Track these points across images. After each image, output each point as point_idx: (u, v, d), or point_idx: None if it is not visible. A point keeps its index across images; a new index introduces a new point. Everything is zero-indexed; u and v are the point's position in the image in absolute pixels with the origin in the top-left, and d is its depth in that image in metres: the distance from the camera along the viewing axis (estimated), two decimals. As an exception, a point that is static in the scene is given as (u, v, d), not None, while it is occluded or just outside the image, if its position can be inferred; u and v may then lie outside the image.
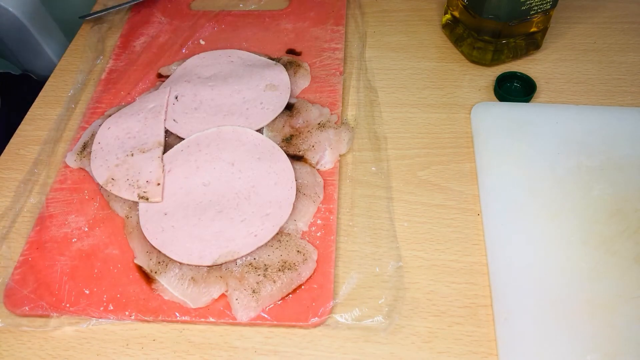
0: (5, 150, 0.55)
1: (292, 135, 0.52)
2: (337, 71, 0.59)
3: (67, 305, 0.43)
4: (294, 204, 0.46)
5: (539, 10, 0.55)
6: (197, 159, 0.50)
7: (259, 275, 0.43)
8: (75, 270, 0.45)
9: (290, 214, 0.46)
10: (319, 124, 0.53)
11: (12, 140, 0.56)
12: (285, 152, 0.50)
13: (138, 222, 0.47)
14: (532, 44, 0.60)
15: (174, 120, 0.54)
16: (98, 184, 0.50)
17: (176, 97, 0.56)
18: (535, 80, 0.57)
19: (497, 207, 0.47)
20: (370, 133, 0.54)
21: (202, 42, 0.63)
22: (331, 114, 0.54)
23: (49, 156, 0.53)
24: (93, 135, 0.53)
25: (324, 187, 0.49)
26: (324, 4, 0.67)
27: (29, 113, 0.59)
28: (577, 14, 0.65)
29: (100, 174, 0.50)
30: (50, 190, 0.50)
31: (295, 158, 0.51)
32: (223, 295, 0.43)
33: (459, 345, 0.41)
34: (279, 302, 0.42)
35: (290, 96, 0.55)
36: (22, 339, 0.42)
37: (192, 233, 0.45)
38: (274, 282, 0.42)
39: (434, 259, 0.45)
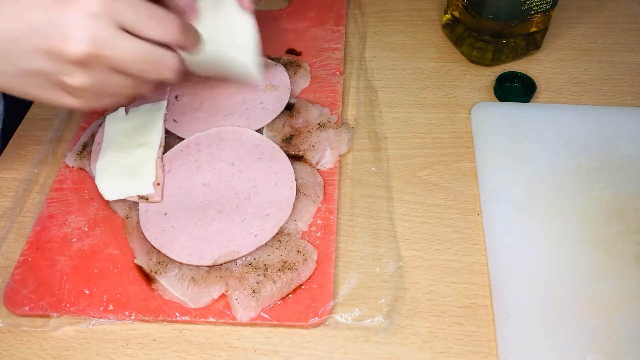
0: (5, 150, 0.55)
1: (292, 135, 0.52)
2: (337, 71, 0.59)
3: (67, 305, 0.43)
4: (294, 204, 0.46)
5: (539, 11, 0.55)
6: (197, 159, 0.50)
7: (259, 275, 0.43)
8: (75, 270, 0.45)
9: (290, 214, 0.46)
10: (319, 124, 0.53)
11: (12, 140, 0.56)
12: (285, 152, 0.50)
13: (138, 222, 0.47)
14: (532, 44, 0.60)
15: (174, 120, 0.54)
16: (98, 184, 0.50)
17: (176, 97, 0.56)
18: (535, 80, 0.57)
19: (497, 207, 0.47)
20: (370, 133, 0.54)
21: (202, 42, 0.63)
22: (331, 114, 0.54)
23: (49, 156, 0.53)
24: (93, 135, 0.53)
25: (324, 187, 0.49)
26: (324, 4, 0.67)
27: (29, 113, 0.59)
28: (577, 14, 0.65)
29: (100, 174, 0.50)
30: (50, 190, 0.50)
31: (295, 158, 0.51)
32: (223, 295, 0.43)
33: (459, 345, 0.41)
34: (279, 302, 0.42)
35: (290, 96, 0.55)
36: (22, 339, 0.42)
37: (192, 233, 0.45)
38: (274, 282, 0.42)
39: (434, 259, 0.45)
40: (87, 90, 0.37)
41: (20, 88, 0.37)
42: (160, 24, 0.37)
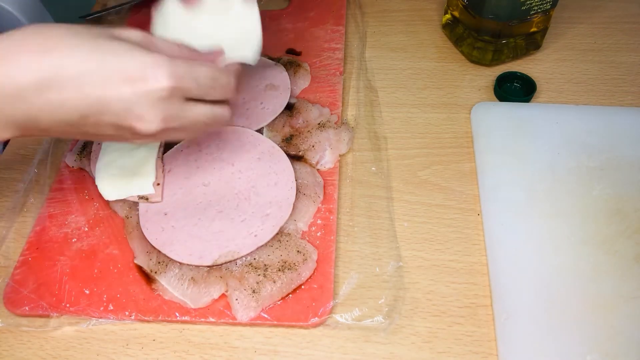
0: (5, 150, 0.55)
1: (292, 135, 0.52)
2: (337, 71, 0.59)
3: (67, 305, 0.43)
4: (294, 204, 0.46)
5: (539, 10, 0.55)
6: (197, 159, 0.50)
7: (259, 275, 0.43)
8: (75, 270, 0.45)
9: (290, 214, 0.46)
10: (319, 124, 0.53)
11: (12, 141, 0.56)
12: (285, 152, 0.50)
13: (138, 222, 0.47)
14: (532, 44, 0.60)
15: (174, 120, 0.54)
16: (98, 184, 0.50)
17: (176, 97, 0.55)
18: (535, 80, 0.57)
19: (497, 207, 0.47)
20: (370, 133, 0.54)
21: (202, 42, 0.63)
22: (331, 114, 0.54)
23: (49, 156, 0.53)
24: (93, 135, 0.53)
25: (324, 187, 0.49)
26: (324, 4, 0.67)
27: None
28: (577, 14, 0.65)
29: (100, 174, 0.50)
30: (50, 190, 0.50)
31: (295, 158, 0.51)
32: (223, 295, 0.43)
33: (459, 345, 0.41)
34: (279, 302, 0.42)
35: (290, 96, 0.55)
36: (22, 339, 0.42)
37: (192, 233, 0.45)
38: (274, 282, 0.42)
39: (434, 259, 0.45)
40: (151, 140, 0.40)
41: (83, 137, 0.42)
42: (218, 90, 0.40)
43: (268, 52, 0.61)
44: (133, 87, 0.35)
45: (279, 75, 0.57)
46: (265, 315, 0.42)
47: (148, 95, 0.35)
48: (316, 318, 0.41)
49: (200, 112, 0.39)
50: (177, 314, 0.42)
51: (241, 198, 0.47)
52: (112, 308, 0.42)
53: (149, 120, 0.36)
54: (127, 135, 0.37)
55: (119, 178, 0.48)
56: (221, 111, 0.41)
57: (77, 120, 0.36)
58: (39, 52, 0.34)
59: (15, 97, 0.34)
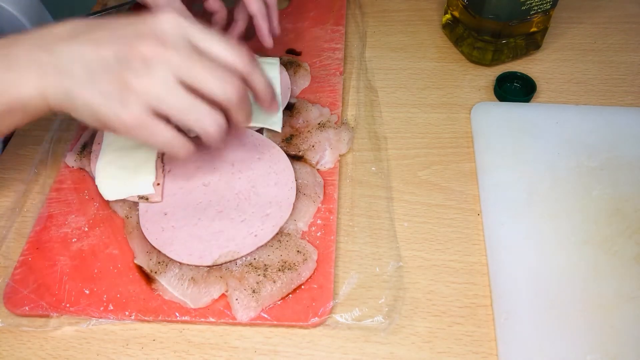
0: (5, 150, 0.55)
1: (292, 135, 0.52)
2: (337, 71, 0.59)
3: (67, 305, 0.43)
4: (294, 204, 0.46)
5: (539, 10, 0.55)
6: (197, 159, 0.50)
7: (259, 275, 0.43)
8: (75, 270, 0.45)
9: (290, 214, 0.46)
10: (319, 124, 0.53)
11: (12, 141, 0.56)
12: (285, 152, 0.50)
13: (138, 222, 0.47)
14: (532, 44, 0.60)
15: (174, 120, 0.54)
16: (98, 184, 0.50)
17: (176, 97, 0.55)
18: (535, 80, 0.57)
19: (497, 207, 0.47)
20: (370, 133, 0.54)
21: (202, 42, 0.63)
22: (331, 114, 0.54)
23: (49, 156, 0.53)
24: (93, 135, 0.53)
25: (324, 187, 0.49)
26: (324, 4, 0.67)
27: (29, 113, 0.58)
28: (577, 14, 0.65)
29: (100, 174, 0.50)
30: (50, 190, 0.50)
31: (295, 158, 0.51)
32: (223, 295, 0.43)
33: (459, 345, 0.41)
34: (279, 302, 0.42)
35: (290, 96, 0.55)
36: (22, 339, 0.42)
37: (192, 233, 0.45)
38: (274, 282, 0.42)
39: (434, 259, 0.45)
40: (147, 98, 0.39)
41: (85, 95, 0.39)
42: (231, 53, 0.41)
43: (268, 52, 0.61)
44: (150, 16, 0.40)
45: (279, 75, 0.57)
46: (265, 315, 0.42)
47: (162, 15, 0.40)
48: (316, 318, 0.41)
49: (207, 64, 0.40)
50: (177, 314, 0.42)
51: (241, 198, 0.47)
52: (112, 308, 0.42)
53: (149, 38, 0.39)
54: (125, 64, 0.39)
55: (119, 178, 0.48)
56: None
57: (87, 47, 0.39)
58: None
59: (48, 39, 0.40)
